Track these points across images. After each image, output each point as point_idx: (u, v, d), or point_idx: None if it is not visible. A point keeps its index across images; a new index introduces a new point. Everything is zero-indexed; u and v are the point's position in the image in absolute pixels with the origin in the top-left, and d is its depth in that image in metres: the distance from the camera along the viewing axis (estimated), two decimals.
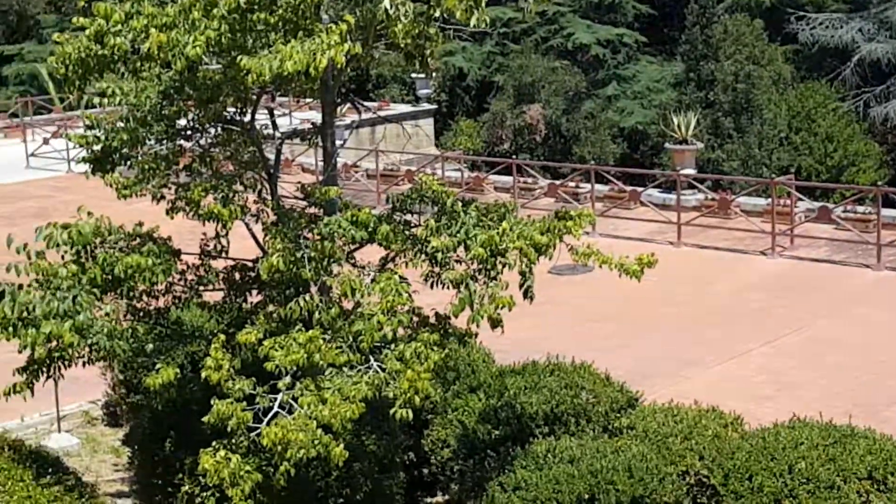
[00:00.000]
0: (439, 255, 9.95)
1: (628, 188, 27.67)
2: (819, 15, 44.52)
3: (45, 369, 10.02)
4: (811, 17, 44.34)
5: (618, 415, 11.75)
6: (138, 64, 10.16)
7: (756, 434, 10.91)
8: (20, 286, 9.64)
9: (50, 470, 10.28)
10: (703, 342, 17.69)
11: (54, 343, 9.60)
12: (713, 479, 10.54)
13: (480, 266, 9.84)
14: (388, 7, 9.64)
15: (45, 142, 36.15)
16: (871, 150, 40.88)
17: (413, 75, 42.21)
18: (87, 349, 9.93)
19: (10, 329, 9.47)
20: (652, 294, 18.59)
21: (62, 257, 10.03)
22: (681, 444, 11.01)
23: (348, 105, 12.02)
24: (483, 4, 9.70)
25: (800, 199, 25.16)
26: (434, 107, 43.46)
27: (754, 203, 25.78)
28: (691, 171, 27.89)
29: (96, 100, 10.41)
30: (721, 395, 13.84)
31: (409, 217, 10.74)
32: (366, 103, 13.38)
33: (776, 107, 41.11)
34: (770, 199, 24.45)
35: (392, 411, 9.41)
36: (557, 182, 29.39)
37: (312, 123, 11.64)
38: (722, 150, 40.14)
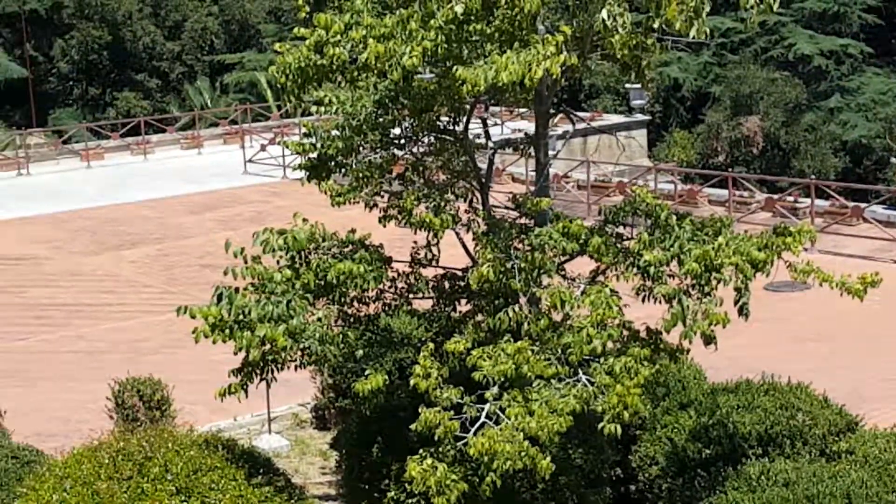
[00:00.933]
0: (652, 269, 9.75)
1: (850, 204, 26.79)
2: None
3: (258, 371, 10.22)
4: None
5: (836, 438, 11.31)
6: (355, 73, 10.31)
7: None
8: (237, 289, 9.86)
9: (261, 470, 10.47)
10: None
11: (268, 346, 9.79)
12: None
13: (694, 281, 9.62)
14: (606, 18, 9.49)
15: (263, 148, 37.20)
16: None
17: (627, 85, 41.78)
18: (299, 353, 10.10)
19: (227, 331, 9.71)
20: (874, 314, 17.84)
21: (277, 262, 10.24)
22: None
23: (561, 115, 11.93)
24: (704, 15, 9.46)
25: None
26: (648, 117, 42.96)
27: None
28: None
29: (313, 108, 10.60)
30: None
31: (620, 230, 10.57)
32: (578, 113, 13.25)
33: None
34: None
35: (600, 426, 9.28)
36: (775, 196, 28.72)
37: (525, 133, 11.58)
38: None
